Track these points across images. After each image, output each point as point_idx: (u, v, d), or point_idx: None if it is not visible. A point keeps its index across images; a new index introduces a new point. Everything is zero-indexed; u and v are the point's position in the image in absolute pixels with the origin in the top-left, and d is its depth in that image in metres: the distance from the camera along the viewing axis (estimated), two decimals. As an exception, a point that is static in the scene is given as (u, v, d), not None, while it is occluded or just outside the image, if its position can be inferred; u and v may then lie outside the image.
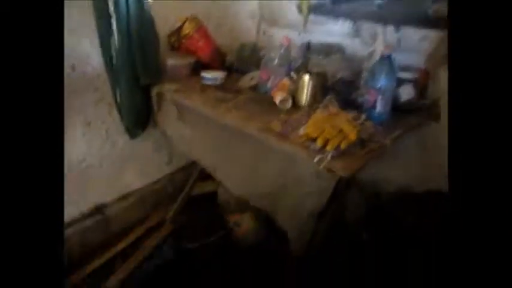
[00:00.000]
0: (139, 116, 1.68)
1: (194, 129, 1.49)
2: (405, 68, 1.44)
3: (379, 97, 1.26)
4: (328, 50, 1.70)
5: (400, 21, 1.57)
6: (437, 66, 1.51)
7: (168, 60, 1.65)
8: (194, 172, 2.02)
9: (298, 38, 1.87)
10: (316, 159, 1.06)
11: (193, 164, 2.15)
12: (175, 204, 2.00)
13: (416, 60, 1.53)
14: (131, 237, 1.85)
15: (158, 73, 1.59)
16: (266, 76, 1.52)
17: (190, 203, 2.04)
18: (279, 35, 1.81)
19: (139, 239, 1.87)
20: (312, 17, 1.85)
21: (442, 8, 1.49)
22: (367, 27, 1.68)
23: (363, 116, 1.25)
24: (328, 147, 1.08)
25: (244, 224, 1.79)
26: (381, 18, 1.61)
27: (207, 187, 2.00)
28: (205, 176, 2.02)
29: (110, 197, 1.85)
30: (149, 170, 2.01)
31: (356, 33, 1.73)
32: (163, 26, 1.70)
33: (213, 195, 1.88)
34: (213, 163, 1.44)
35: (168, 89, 1.56)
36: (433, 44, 1.50)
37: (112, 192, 1.86)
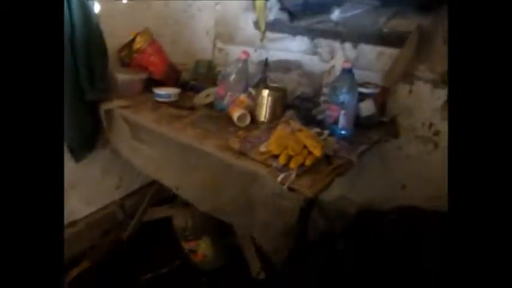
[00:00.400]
0: (84, 136, 1.54)
1: (151, 147, 1.38)
2: (364, 85, 1.42)
3: (342, 112, 1.22)
4: (287, 66, 1.67)
5: (357, 38, 1.57)
6: (394, 83, 1.51)
7: (118, 76, 1.53)
8: (146, 197, 1.87)
9: (255, 55, 1.82)
10: (279, 178, 0.98)
11: (145, 187, 2.01)
12: (126, 232, 1.83)
13: (374, 77, 1.52)
14: (77, 270, 1.66)
15: (106, 89, 1.47)
16: (223, 92, 1.45)
17: (143, 230, 1.88)
18: (235, 52, 1.76)
19: (86, 271, 1.68)
20: (268, 33, 1.82)
21: (397, 26, 1.51)
22: (325, 44, 1.67)
23: (326, 132, 1.21)
24: (292, 165, 1.01)
25: (200, 251, 1.66)
26: (339, 35, 1.61)
27: (160, 213, 1.86)
28: (158, 200, 1.90)
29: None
30: (97, 196, 1.84)
31: (314, 50, 1.71)
32: (113, 40, 1.59)
33: (167, 221, 1.74)
34: (174, 182, 1.33)
35: (117, 105, 1.44)
36: (389, 61, 1.51)
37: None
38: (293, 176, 0.98)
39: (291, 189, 0.98)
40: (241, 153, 1.11)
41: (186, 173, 1.27)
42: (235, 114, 1.31)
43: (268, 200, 1.03)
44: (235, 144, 1.14)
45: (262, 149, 1.09)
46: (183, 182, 1.29)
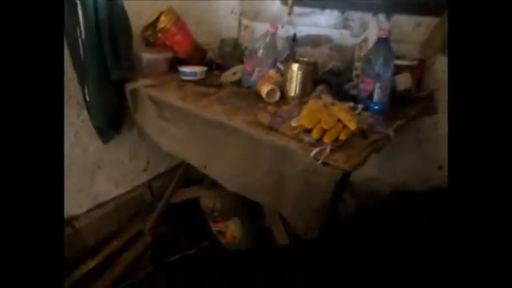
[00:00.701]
0: (112, 116, 1.52)
1: (177, 126, 1.34)
2: (400, 58, 1.34)
3: (377, 85, 1.15)
4: (316, 41, 1.60)
5: (391, 9, 1.48)
6: (433, 55, 1.42)
7: (143, 55, 1.51)
8: (174, 178, 1.86)
9: (282, 31, 1.76)
10: (313, 153, 0.93)
11: (173, 169, 2.00)
12: (154, 213, 1.83)
13: (411, 50, 1.44)
14: (105, 252, 1.67)
15: (131, 68, 1.44)
16: (250, 68, 1.39)
17: (171, 212, 1.87)
18: (262, 29, 1.69)
19: (115, 253, 1.68)
20: (296, 8, 1.75)
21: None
22: (356, 17, 1.58)
23: (360, 106, 1.14)
24: (326, 139, 0.96)
25: (229, 232, 1.64)
26: (371, 6, 1.53)
27: (188, 194, 1.84)
28: (185, 182, 1.88)
29: (80, 208, 1.67)
30: (124, 178, 1.83)
31: (344, 23, 1.63)
32: (138, 20, 1.57)
33: (195, 202, 1.72)
34: (201, 160, 1.29)
35: (143, 84, 1.42)
36: (427, 32, 1.41)
37: (83, 202, 1.67)
38: (327, 150, 0.93)
39: (325, 164, 0.93)
40: (272, 129, 1.06)
41: (213, 151, 1.23)
42: (264, 89, 1.26)
43: (300, 176, 0.98)
44: (265, 119, 1.09)
45: (294, 123, 1.04)
46: (210, 161, 1.25)
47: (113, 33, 1.36)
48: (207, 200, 1.63)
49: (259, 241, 1.69)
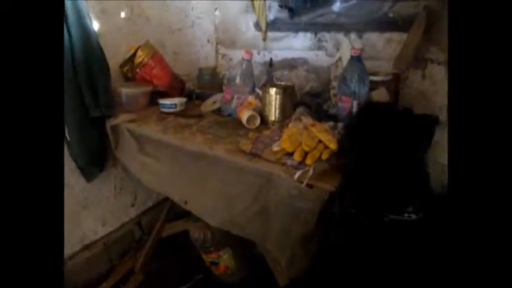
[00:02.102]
0: (93, 154, 1.51)
1: (158, 161, 1.33)
2: (374, 74, 1.36)
3: (355, 102, 1.16)
4: (292, 64, 1.62)
5: (362, 27, 1.51)
6: (406, 68, 1.44)
7: (122, 90, 1.50)
8: (162, 212, 1.83)
9: (258, 57, 1.78)
10: (296, 176, 0.93)
11: (160, 203, 1.97)
12: (144, 250, 1.78)
13: (384, 65, 1.46)
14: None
15: (110, 104, 1.43)
16: (229, 96, 1.40)
17: (161, 247, 1.83)
18: (239, 57, 1.71)
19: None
20: (270, 33, 1.78)
21: (403, 9, 1.45)
22: (329, 37, 1.61)
23: (340, 125, 1.15)
24: (308, 161, 0.96)
25: (222, 262, 1.61)
26: (342, 26, 1.56)
27: (177, 227, 1.81)
28: (174, 215, 1.85)
29: (68, 249, 1.62)
30: (112, 215, 1.80)
31: (318, 45, 1.65)
32: (115, 55, 1.58)
33: (186, 235, 1.69)
34: (182, 196, 1.27)
35: (123, 120, 1.41)
36: (398, 47, 1.44)
37: (71, 243, 1.63)
38: (311, 172, 0.92)
39: (309, 186, 0.92)
40: (254, 155, 1.06)
41: (195, 184, 1.21)
42: (244, 116, 1.26)
43: (285, 203, 0.97)
44: (247, 146, 1.08)
45: (275, 148, 1.04)
46: (191, 195, 1.23)
47: (90, 71, 1.36)
48: (197, 232, 1.59)
49: (253, 270, 1.66)
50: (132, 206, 1.90)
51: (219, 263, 1.62)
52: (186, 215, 1.84)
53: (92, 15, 1.39)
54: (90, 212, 1.68)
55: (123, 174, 1.76)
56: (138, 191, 1.89)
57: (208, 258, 1.63)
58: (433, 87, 1.44)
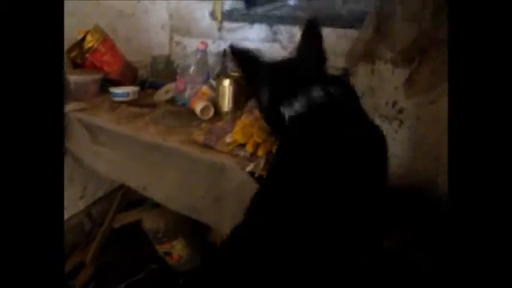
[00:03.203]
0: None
1: (113, 150, 1.29)
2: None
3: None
4: (247, 55, 1.62)
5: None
6: (355, 64, 1.51)
7: (71, 78, 1.44)
8: (114, 202, 1.79)
9: (213, 47, 1.77)
10: (249, 167, 0.95)
11: (112, 193, 1.93)
12: (95, 241, 1.74)
13: (335, 60, 1.51)
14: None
15: (58, 93, 1.38)
16: (183, 86, 1.39)
17: (114, 238, 1.80)
18: (194, 45, 1.69)
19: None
20: (225, 23, 1.77)
21: (354, 7, 1.50)
22: (284, 30, 1.64)
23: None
24: (260, 152, 0.98)
25: (175, 252, 1.61)
26: (297, 20, 1.58)
27: (129, 217, 1.78)
28: (127, 205, 1.82)
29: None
30: (60, 207, 1.73)
31: (274, 37, 1.68)
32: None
33: (138, 225, 1.67)
34: (141, 182, 1.26)
35: (72, 109, 1.35)
36: (349, 43, 1.50)
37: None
38: (262, 163, 0.95)
39: (260, 177, 0.95)
40: (207, 146, 1.07)
41: (152, 172, 1.20)
42: (198, 106, 1.26)
43: (237, 193, 0.99)
44: (200, 137, 1.09)
45: (228, 139, 1.05)
46: (149, 182, 1.22)
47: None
48: (150, 222, 1.58)
49: (206, 258, 1.67)
50: (81, 197, 1.84)
51: (172, 253, 1.62)
52: (138, 204, 1.82)
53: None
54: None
55: (72, 164, 1.70)
56: (88, 182, 1.83)
57: (161, 248, 1.62)
58: (380, 82, 1.52)
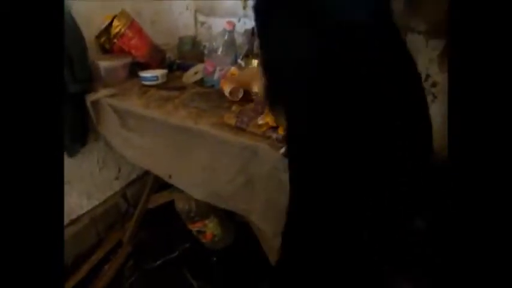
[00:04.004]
0: (75, 131, 1.48)
1: (141, 135, 1.32)
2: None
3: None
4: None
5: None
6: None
7: (100, 64, 1.46)
8: (147, 184, 1.84)
9: (239, 25, 1.74)
10: (282, 151, 0.94)
11: (145, 174, 1.98)
12: (131, 222, 1.81)
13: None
14: (86, 268, 1.64)
15: (88, 79, 1.40)
16: (211, 67, 1.38)
17: (148, 218, 1.86)
18: (219, 24, 1.67)
19: (96, 267, 1.66)
20: (250, 1, 1.73)
21: None
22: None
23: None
24: (292, 134, 0.97)
25: (208, 231, 1.65)
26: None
27: (163, 198, 1.82)
28: (160, 186, 1.87)
29: (54, 227, 1.62)
30: (97, 189, 1.80)
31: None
32: (90, 26, 1.51)
33: (172, 205, 1.71)
34: (167, 170, 1.28)
35: (103, 94, 1.38)
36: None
37: (56, 219, 1.63)
38: (295, 145, 0.94)
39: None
40: (239, 129, 1.07)
41: (178, 158, 1.22)
42: (227, 88, 1.26)
43: (270, 175, 0.99)
44: (231, 119, 1.09)
45: (260, 121, 1.05)
46: (175, 169, 1.24)
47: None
48: (182, 202, 1.62)
49: (239, 237, 1.71)
50: (117, 179, 1.89)
51: (205, 232, 1.66)
52: (171, 185, 1.86)
53: (62, -17, 1.32)
54: (75, 187, 1.67)
55: (106, 148, 1.74)
56: (122, 164, 1.89)
57: (194, 227, 1.67)
58: (413, 55, 1.46)
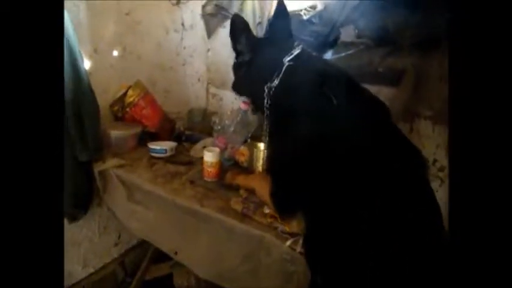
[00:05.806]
0: (79, 198, 1.46)
1: (147, 209, 1.31)
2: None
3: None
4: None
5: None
6: (394, 121, 1.48)
7: (112, 133, 1.49)
8: (147, 252, 1.79)
9: (250, 100, 1.79)
10: (288, 243, 0.92)
11: (145, 241, 1.93)
12: (127, 292, 1.74)
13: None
14: None
15: (98, 148, 1.41)
16: (223, 144, 1.39)
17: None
18: (229, 97, 1.72)
19: None
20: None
21: (391, 64, 1.49)
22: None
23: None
24: (296, 228, 0.95)
25: (206, 309, 1.58)
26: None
27: (161, 271, 1.77)
28: (159, 255, 1.82)
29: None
30: (94, 255, 1.75)
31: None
32: (105, 94, 1.57)
33: (170, 278, 1.65)
34: (172, 246, 1.25)
35: (111, 165, 1.39)
36: (387, 100, 1.47)
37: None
38: (301, 240, 0.92)
39: (300, 253, 0.92)
40: (245, 216, 1.05)
41: (185, 237, 1.20)
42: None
43: (277, 265, 0.96)
44: (238, 205, 1.08)
45: (266, 210, 1.03)
46: (181, 247, 1.21)
47: (79, 115, 1.33)
48: (181, 278, 1.57)
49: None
50: (116, 245, 1.85)
51: (202, 310, 1.59)
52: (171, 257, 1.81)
53: (83, 54, 1.36)
54: (72, 252, 1.63)
55: (109, 213, 1.72)
56: (123, 229, 1.85)
57: (192, 304, 1.60)
58: (420, 140, 1.48)
